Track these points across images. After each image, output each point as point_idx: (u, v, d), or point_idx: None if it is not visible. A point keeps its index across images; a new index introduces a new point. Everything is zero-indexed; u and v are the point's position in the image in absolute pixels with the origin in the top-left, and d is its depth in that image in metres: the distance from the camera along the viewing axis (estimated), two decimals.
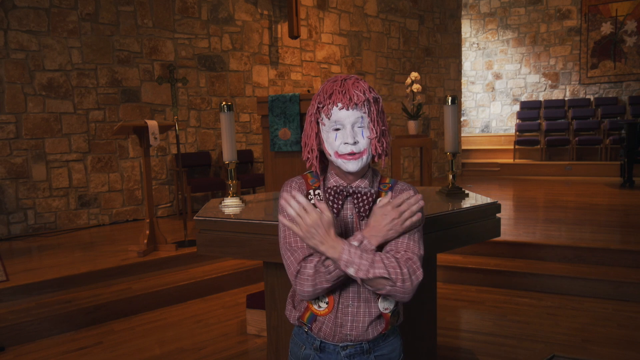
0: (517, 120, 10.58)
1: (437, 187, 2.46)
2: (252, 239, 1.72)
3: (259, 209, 2.15)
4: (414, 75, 4.70)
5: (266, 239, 1.68)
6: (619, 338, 2.76)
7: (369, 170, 1.20)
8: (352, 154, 1.11)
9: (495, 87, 11.36)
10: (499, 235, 2.02)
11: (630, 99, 9.74)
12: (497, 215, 1.99)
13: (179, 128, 5.06)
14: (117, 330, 3.10)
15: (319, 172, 1.21)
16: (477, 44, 11.44)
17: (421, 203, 1.06)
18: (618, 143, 8.33)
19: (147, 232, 4.01)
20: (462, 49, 10.55)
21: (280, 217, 1.13)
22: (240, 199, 2.18)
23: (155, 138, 3.91)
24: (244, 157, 6.46)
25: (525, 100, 10.95)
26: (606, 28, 9.99)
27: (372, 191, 1.16)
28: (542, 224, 4.76)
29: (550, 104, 10.53)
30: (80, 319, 3.13)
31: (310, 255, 1.09)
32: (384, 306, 1.16)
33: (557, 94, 10.67)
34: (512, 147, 10.07)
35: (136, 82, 5.62)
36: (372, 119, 1.13)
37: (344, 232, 1.15)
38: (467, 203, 2.02)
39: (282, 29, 6.90)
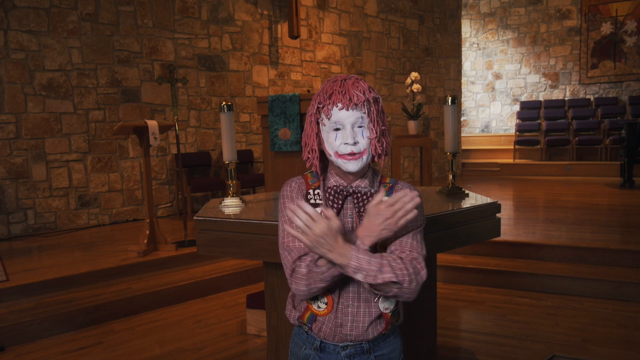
0: (517, 120, 10.59)
1: (437, 187, 2.46)
2: (252, 239, 1.72)
3: (259, 209, 2.15)
4: (414, 75, 4.70)
5: (266, 239, 1.68)
6: (619, 338, 2.76)
7: (369, 170, 1.20)
8: (352, 154, 1.12)
9: (495, 87, 11.36)
10: (499, 235, 2.02)
11: (630, 99, 9.74)
12: (497, 215, 2.00)
13: (179, 128, 5.06)
14: (117, 330, 3.10)
15: (319, 172, 1.21)
16: (477, 44, 11.44)
17: (417, 200, 1.02)
18: (618, 143, 8.33)
19: (147, 232, 4.01)
20: (462, 49, 10.55)
21: (284, 224, 1.14)
22: (240, 199, 2.18)
23: (155, 138, 3.91)
24: (244, 157, 6.46)
25: (525, 100, 10.95)
26: (606, 28, 9.99)
27: (372, 191, 1.16)
28: (542, 224, 4.76)
29: (550, 104, 10.53)
30: (80, 319, 3.13)
31: (305, 254, 1.09)
32: (385, 306, 1.16)
33: (557, 94, 10.67)
34: (512, 147, 10.07)
35: (136, 82, 5.62)
36: (372, 119, 1.13)
37: (344, 232, 1.15)
38: (467, 203, 2.02)
39: (282, 29, 6.90)
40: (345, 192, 1.15)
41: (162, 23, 5.78)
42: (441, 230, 1.76)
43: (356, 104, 1.10)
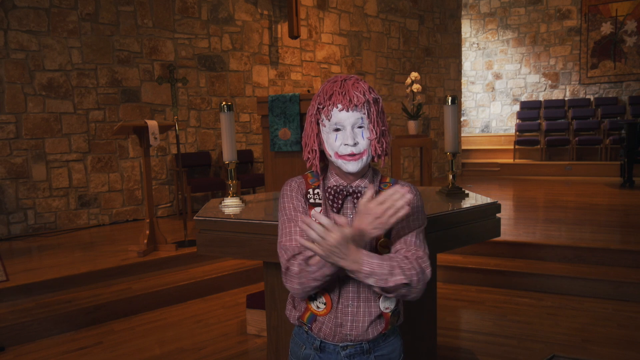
0: (517, 120, 10.59)
1: (437, 187, 2.46)
2: (252, 239, 1.72)
3: (259, 209, 2.15)
4: (414, 75, 4.70)
5: (266, 239, 1.68)
6: (619, 338, 2.76)
7: (369, 170, 1.20)
8: (352, 155, 1.12)
9: (495, 87, 11.36)
10: (499, 235, 2.02)
11: (630, 99, 9.74)
12: (497, 215, 2.00)
13: (179, 128, 5.06)
14: (117, 330, 3.10)
15: (319, 172, 1.22)
16: (477, 44, 11.44)
17: (408, 197, 0.99)
18: (618, 143, 8.33)
19: (147, 232, 4.01)
20: (462, 49, 10.55)
21: (283, 224, 1.13)
22: (240, 199, 2.18)
23: (155, 138, 3.91)
24: (244, 157, 6.46)
25: (525, 100, 10.96)
26: (606, 28, 9.99)
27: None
28: (542, 224, 4.76)
29: (550, 104, 10.53)
30: (80, 319, 3.13)
31: (298, 253, 1.09)
32: (385, 305, 1.16)
33: (557, 94, 10.67)
34: (512, 147, 10.07)
35: (136, 82, 5.62)
36: (372, 120, 1.13)
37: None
38: (467, 203, 2.02)
39: (282, 29, 6.90)
40: (345, 192, 1.16)
41: (162, 23, 5.78)
42: (441, 230, 1.76)
43: (356, 105, 1.10)
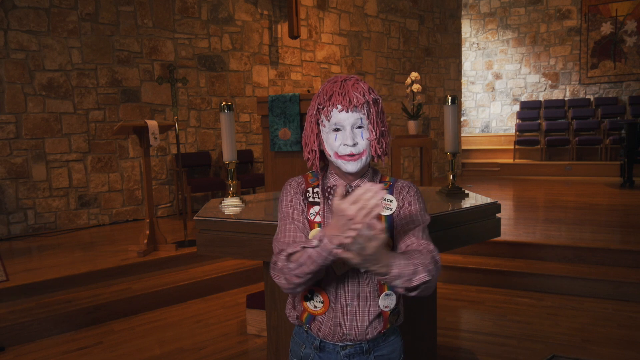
0: (517, 120, 10.59)
1: (437, 187, 2.46)
2: (252, 239, 1.72)
3: (259, 209, 2.15)
4: (414, 75, 4.70)
5: (266, 239, 1.68)
6: (619, 338, 2.76)
7: (369, 170, 1.20)
8: (351, 155, 1.12)
9: (495, 87, 11.37)
10: (499, 235, 2.02)
11: (630, 99, 9.74)
12: (497, 215, 1.99)
13: (179, 128, 5.05)
14: (117, 330, 3.10)
15: (319, 172, 1.22)
16: (477, 44, 11.44)
17: (381, 194, 0.93)
18: (618, 143, 8.33)
19: (147, 232, 4.01)
20: (462, 49, 10.55)
21: (282, 221, 1.13)
22: (240, 199, 2.18)
23: (155, 138, 3.91)
24: (244, 157, 6.46)
25: (525, 100, 10.96)
26: (606, 28, 9.99)
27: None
28: (542, 224, 4.76)
29: (550, 104, 10.53)
30: (80, 319, 3.13)
31: (284, 249, 1.08)
32: (384, 304, 1.16)
33: (557, 94, 10.67)
34: (512, 147, 10.07)
35: (136, 82, 5.62)
36: (372, 120, 1.13)
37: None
38: (467, 203, 2.02)
39: (282, 29, 6.90)
40: (344, 192, 1.16)
41: (162, 23, 5.78)
42: (441, 230, 1.76)
43: (356, 106, 1.10)
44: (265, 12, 6.71)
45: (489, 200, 2.05)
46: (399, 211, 1.18)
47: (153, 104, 5.77)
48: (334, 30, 7.57)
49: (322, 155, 1.20)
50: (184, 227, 4.37)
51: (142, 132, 3.96)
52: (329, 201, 1.16)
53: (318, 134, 1.17)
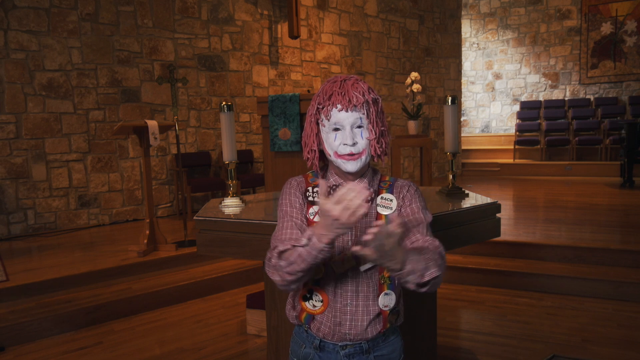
0: (517, 120, 10.59)
1: (437, 187, 2.46)
2: (252, 239, 1.72)
3: (259, 209, 2.15)
4: (414, 75, 4.70)
5: (266, 239, 1.67)
6: (619, 338, 2.76)
7: (369, 169, 1.20)
8: (351, 154, 1.12)
9: (495, 87, 11.36)
10: (499, 235, 2.02)
11: (630, 99, 9.74)
12: (497, 215, 1.99)
13: (179, 128, 5.05)
14: (117, 330, 3.10)
15: (319, 172, 1.22)
16: (477, 44, 11.44)
17: (364, 193, 0.92)
18: (618, 143, 8.33)
19: (147, 232, 4.01)
20: (462, 49, 10.55)
21: (281, 219, 1.14)
22: (240, 199, 2.18)
23: (155, 138, 3.91)
24: (244, 157, 6.46)
25: (525, 100, 10.96)
26: (606, 28, 9.99)
27: (372, 190, 1.17)
28: (542, 224, 4.76)
29: (550, 104, 10.53)
30: (80, 319, 3.13)
31: (277, 246, 1.08)
32: (384, 303, 1.16)
33: (557, 94, 10.67)
34: (512, 147, 10.07)
35: (136, 82, 5.62)
36: (372, 120, 1.13)
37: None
38: (467, 203, 2.02)
39: (282, 29, 6.90)
40: None
41: (162, 23, 5.78)
42: (441, 230, 1.76)
43: (355, 105, 1.11)
44: (265, 12, 6.71)
45: (489, 200, 2.05)
46: (400, 210, 1.18)
47: (153, 104, 5.77)
48: (334, 30, 7.57)
49: (322, 155, 1.21)
50: (184, 227, 4.37)
51: (142, 132, 3.96)
52: None
53: (318, 134, 1.17)
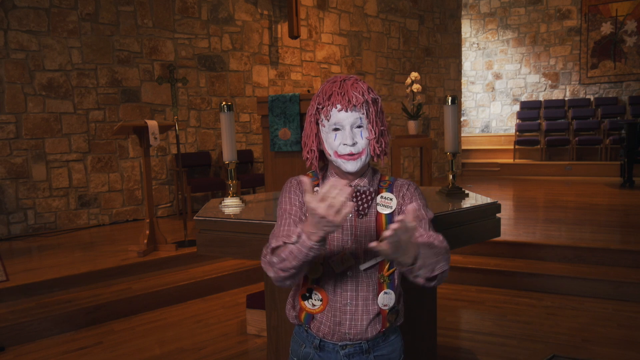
0: (517, 120, 10.59)
1: (437, 187, 2.46)
2: (252, 239, 1.72)
3: (259, 209, 2.15)
4: (414, 75, 4.70)
5: (266, 239, 1.68)
6: (619, 338, 2.76)
7: (369, 169, 1.21)
8: (350, 154, 1.12)
9: (495, 87, 11.36)
10: (499, 235, 2.02)
11: (630, 99, 9.74)
12: (497, 215, 1.99)
13: (179, 128, 5.06)
14: (117, 330, 3.10)
15: (318, 172, 1.22)
16: (477, 44, 11.44)
17: (346, 190, 0.91)
18: (618, 143, 8.33)
19: (147, 232, 4.01)
20: (462, 49, 10.55)
21: (280, 217, 1.14)
22: (240, 199, 2.18)
23: (155, 138, 3.91)
24: (244, 157, 6.46)
25: (525, 100, 10.96)
26: (606, 28, 9.99)
27: (371, 189, 1.17)
28: (542, 224, 4.76)
29: (550, 104, 10.53)
30: (80, 319, 3.13)
31: (270, 242, 1.09)
32: (383, 302, 1.16)
33: (557, 94, 10.67)
34: (512, 147, 10.07)
35: (136, 82, 5.62)
36: (371, 120, 1.14)
37: (342, 230, 1.15)
38: (467, 203, 2.02)
39: (282, 29, 6.90)
40: None
41: (162, 23, 5.78)
42: (441, 230, 1.75)
43: (355, 105, 1.11)
44: (265, 12, 6.71)
45: (489, 200, 2.05)
46: (400, 208, 1.18)
47: (153, 104, 5.77)
48: (334, 30, 7.57)
49: (322, 155, 1.21)
50: (184, 227, 4.37)
51: (142, 132, 3.96)
52: None
53: (317, 134, 1.18)
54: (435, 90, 9.18)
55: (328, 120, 1.13)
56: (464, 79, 11.10)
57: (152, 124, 3.90)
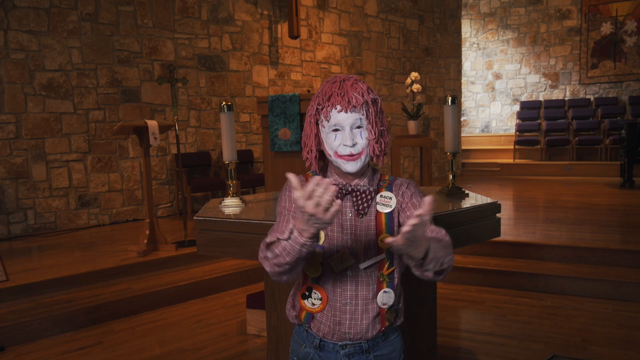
0: (517, 120, 10.59)
1: (437, 187, 2.46)
2: (252, 239, 1.72)
3: (259, 209, 2.15)
4: (414, 75, 4.70)
5: None
6: (619, 338, 2.76)
7: (369, 169, 1.21)
8: (350, 155, 1.13)
9: (495, 87, 11.36)
10: (499, 235, 2.02)
11: (630, 99, 9.74)
12: (497, 215, 1.99)
13: (179, 128, 5.06)
14: (117, 330, 3.11)
15: (318, 172, 1.23)
16: (477, 44, 11.44)
17: (332, 189, 0.90)
18: (618, 143, 8.33)
19: (147, 232, 4.01)
20: (462, 49, 10.55)
21: (279, 216, 1.14)
22: (240, 199, 2.18)
23: (155, 138, 3.91)
24: (244, 157, 6.46)
25: (525, 100, 10.96)
26: (606, 28, 9.98)
27: (371, 189, 1.17)
28: (542, 224, 4.76)
29: (550, 104, 10.53)
30: (80, 319, 3.13)
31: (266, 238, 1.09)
32: (383, 301, 1.16)
33: (557, 94, 10.67)
34: (512, 147, 10.07)
35: (136, 82, 5.62)
36: (371, 120, 1.14)
37: (342, 229, 1.16)
38: (467, 203, 2.02)
39: (282, 29, 6.90)
40: (344, 191, 1.16)
41: (162, 23, 5.78)
42: None
43: (355, 106, 1.11)
44: (265, 12, 6.71)
45: (489, 200, 2.05)
46: (400, 207, 1.18)
47: (153, 104, 5.77)
48: (334, 30, 7.57)
49: (322, 155, 1.21)
50: (184, 227, 4.37)
51: (142, 132, 3.96)
52: None
53: (317, 134, 1.18)
54: (435, 90, 9.18)
55: (328, 121, 1.13)
56: (464, 79, 11.10)
57: (152, 124, 3.90)
